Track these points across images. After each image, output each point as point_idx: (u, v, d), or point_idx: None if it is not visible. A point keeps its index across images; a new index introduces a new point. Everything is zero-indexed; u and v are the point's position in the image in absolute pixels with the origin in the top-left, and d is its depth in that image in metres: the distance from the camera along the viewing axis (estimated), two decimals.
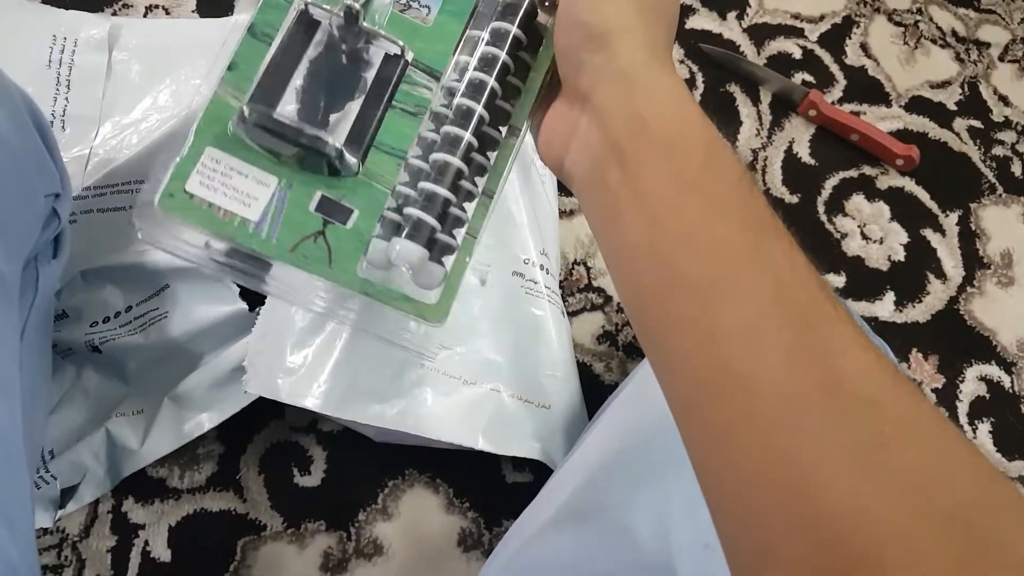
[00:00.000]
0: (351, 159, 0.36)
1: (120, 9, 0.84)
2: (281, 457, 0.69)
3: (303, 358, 0.61)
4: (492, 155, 0.37)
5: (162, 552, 0.64)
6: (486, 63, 0.36)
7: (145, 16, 0.84)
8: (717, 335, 0.27)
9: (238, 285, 0.63)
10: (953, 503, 0.23)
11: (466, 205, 0.37)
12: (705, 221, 0.29)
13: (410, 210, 0.35)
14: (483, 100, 0.36)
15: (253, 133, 0.35)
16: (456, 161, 0.35)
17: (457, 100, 0.36)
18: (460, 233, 0.37)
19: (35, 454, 0.60)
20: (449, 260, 0.37)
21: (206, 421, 0.64)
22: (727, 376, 0.27)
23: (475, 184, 0.37)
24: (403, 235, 0.35)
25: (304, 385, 0.61)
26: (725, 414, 0.27)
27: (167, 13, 0.84)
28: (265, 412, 0.68)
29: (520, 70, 0.37)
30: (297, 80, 0.36)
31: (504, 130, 0.38)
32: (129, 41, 0.71)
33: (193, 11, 0.85)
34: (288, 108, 0.35)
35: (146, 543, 0.65)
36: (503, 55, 0.36)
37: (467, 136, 0.35)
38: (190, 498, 0.66)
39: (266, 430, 0.69)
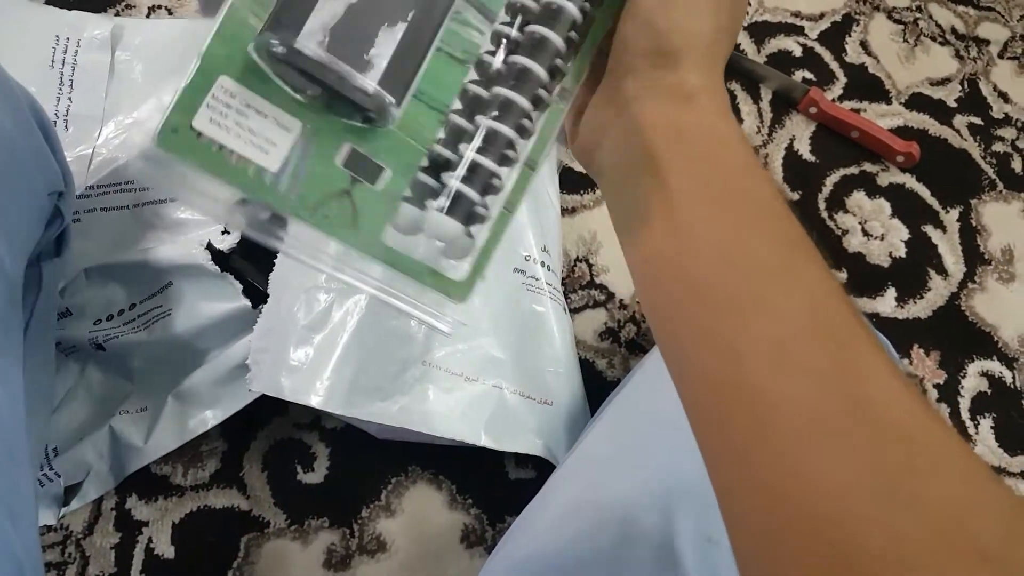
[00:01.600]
0: (389, 106, 0.30)
1: (123, 9, 0.84)
2: (284, 454, 0.69)
3: (306, 355, 0.61)
4: (539, 118, 0.33)
5: (166, 549, 0.65)
6: (550, 14, 0.31)
7: (148, 16, 0.84)
8: (743, 351, 0.26)
9: (241, 282, 0.63)
10: (986, 539, 0.22)
11: (504, 171, 0.32)
12: (737, 235, 0.28)
13: (452, 181, 0.31)
14: (546, 61, 0.31)
15: (275, 65, 0.29)
16: (509, 132, 0.31)
17: (516, 58, 0.31)
18: (496, 204, 0.33)
19: (39, 451, 0.61)
20: (482, 233, 0.33)
21: (210, 418, 0.64)
22: (751, 393, 0.26)
23: (518, 152, 0.33)
24: (442, 207, 0.31)
25: (307, 383, 0.61)
26: (745, 431, 0.26)
27: (170, 13, 0.85)
28: (268, 409, 0.68)
29: (583, 24, 0.33)
30: (328, 3, 0.29)
31: (556, 90, 0.33)
32: (132, 41, 0.71)
33: (196, 11, 0.85)
34: (314, 37, 0.29)
35: (150, 540, 0.65)
36: (572, 7, 0.31)
37: (524, 103, 0.31)
38: (194, 495, 0.67)
39: (269, 427, 0.70)
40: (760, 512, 0.26)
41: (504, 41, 0.32)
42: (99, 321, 0.64)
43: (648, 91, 0.30)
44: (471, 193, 0.31)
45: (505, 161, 0.32)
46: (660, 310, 0.30)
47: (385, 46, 0.30)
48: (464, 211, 0.31)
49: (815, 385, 0.25)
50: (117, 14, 0.83)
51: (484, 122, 0.31)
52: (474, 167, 0.31)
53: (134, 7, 0.84)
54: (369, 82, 0.29)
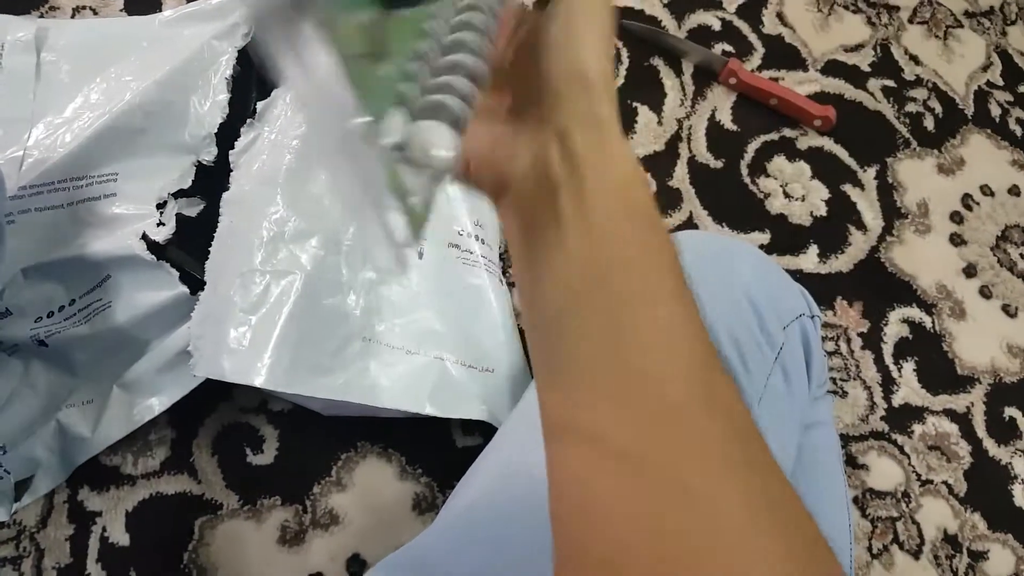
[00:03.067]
0: None
1: (47, 11, 0.84)
2: (233, 438, 0.71)
3: (245, 337, 0.63)
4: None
5: (120, 537, 0.66)
6: None
7: (73, 17, 0.85)
8: (630, 344, 0.29)
9: (177, 270, 0.64)
10: None
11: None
12: (643, 255, 0.31)
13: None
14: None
15: None
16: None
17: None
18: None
19: None
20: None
21: (156, 405, 0.65)
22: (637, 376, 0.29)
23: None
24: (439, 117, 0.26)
25: (248, 363, 0.62)
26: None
27: (95, 13, 0.85)
28: (214, 395, 0.70)
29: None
30: None
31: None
32: (57, 42, 0.72)
33: (121, 10, 0.86)
34: None
35: (104, 529, 0.66)
36: None
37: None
38: (145, 483, 0.68)
39: (216, 413, 0.71)
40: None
41: None
42: (40, 319, 0.65)
43: (576, 123, 0.31)
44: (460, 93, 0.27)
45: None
46: (561, 312, 0.32)
47: None
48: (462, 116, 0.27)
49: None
50: (41, 15, 0.84)
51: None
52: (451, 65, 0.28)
53: (58, 8, 0.85)
54: None
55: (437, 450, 0.73)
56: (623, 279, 0.30)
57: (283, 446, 0.71)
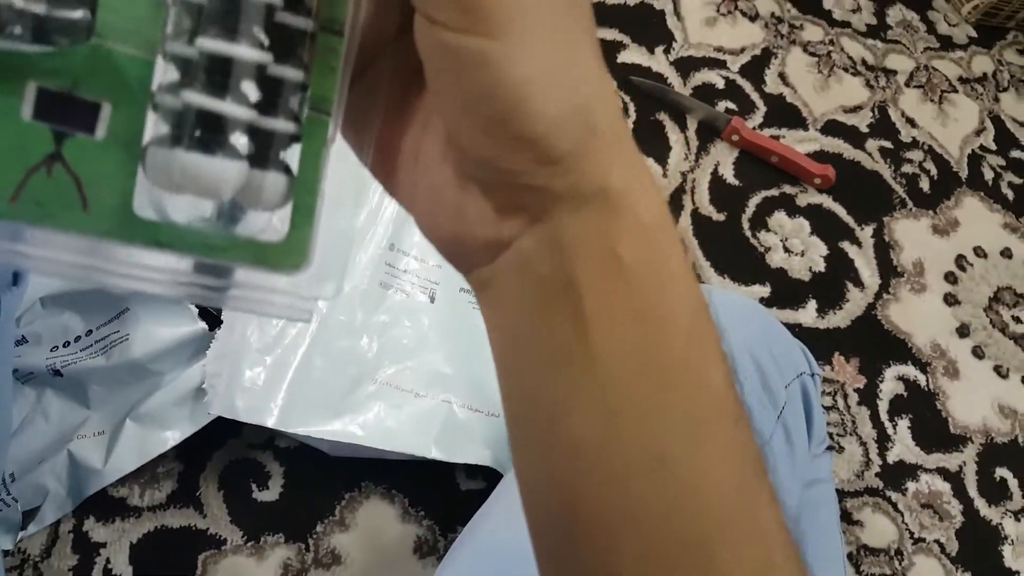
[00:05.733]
0: (69, 12, 0.19)
1: None
2: (240, 473, 0.71)
3: (259, 377, 0.64)
4: None
5: (124, 569, 0.66)
6: None
7: None
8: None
9: (196, 306, 0.66)
10: None
11: (298, 49, 0.21)
12: (683, 434, 0.23)
13: (192, 96, 0.20)
14: None
15: None
16: None
17: None
18: (296, 105, 0.21)
19: None
20: (291, 157, 0.22)
21: (170, 439, 0.66)
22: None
23: (302, 13, 0.21)
24: (186, 144, 0.20)
25: (261, 403, 0.64)
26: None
27: None
28: (223, 430, 0.70)
29: None
30: None
31: None
32: None
33: None
34: None
35: (108, 561, 0.66)
36: None
37: None
38: (151, 515, 0.68)
39: (224, 448, 0.72)
40: None
41: None
42: (56, 348, 0.66)
43: (555, 204, 0.22)
44: (231, 107, 0.20)
45: (280, 36, 0.20)
46: (561, 478, 0.24)
47: None
48: (234, 139, 0.20)
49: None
50: None
51: None
52: (224, 62, 0.20)
53: None
54: (30, 4, 0.19)
55: (440, 493, 0.74)
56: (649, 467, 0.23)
57: (288, 483, 0.72)
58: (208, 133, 0.20)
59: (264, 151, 0.21)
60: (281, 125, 0.21)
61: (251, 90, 0.20)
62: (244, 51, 0.20)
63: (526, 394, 0.25)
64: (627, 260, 0.22)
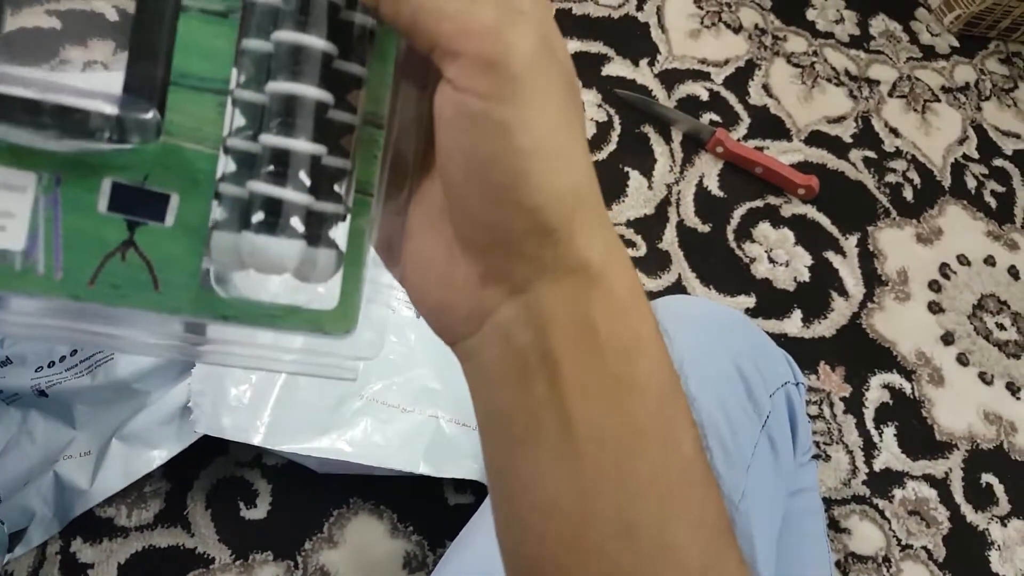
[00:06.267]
0: (141, 114, 0.22)
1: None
2: (227, 492, 0.71)
3: (245, 395, 0.64)
4: (360, 48, 0.24)
5: None
6: None
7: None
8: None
9: None
10: None
11: (343, 141, 0.24)
12: (653, 500, 0.24)
13: (257, 185, 0.22)
14: None
15: None
16: (310, 91, 0.22)
17: None
18: (343, 189, 0.24)
19: None
20: (340, 234, 0.24)
21: (156, 458, 0.66)
22: None
23: (351, 110, 0.24)
24: (254, 227, 0.22)
25: (247, 421, 0.64)
26: None
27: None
28: (210, 449, 0.70)
29: None
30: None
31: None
32: None
33: None
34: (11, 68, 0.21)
35: None
36: None
37: (317, 43, 0.22)
38: (138, 535, 0.68)
39: (211, 466, 0.72)
40: None
41: None
42: (40, 368, 0.65)
43: (539, 275, 0.24)
44: (291, 194, 0.22)
45: (330, 131, 0.23)
46: (530, 551, 0.26)
47: (108, 30, 0.20)
48: (294, 222, 0.23)
49: None
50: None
51: (273, 87, 0.22)
52: (284, 155, 0.22)
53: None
54: (102, 105, 0.21)
55: (429, 508, 0.74)
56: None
57: (276, 500, 0.72)
58: (272, 217, 0.22)
59: (317, 230, 0.23)
60: (331, 207, 0.24)
61: (307, 177, 0.23)
62: (302, 145, 0.22)
63: (505, 461, 0.26)
64: (602, 332, 0.24)
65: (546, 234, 0.23)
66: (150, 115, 0.22)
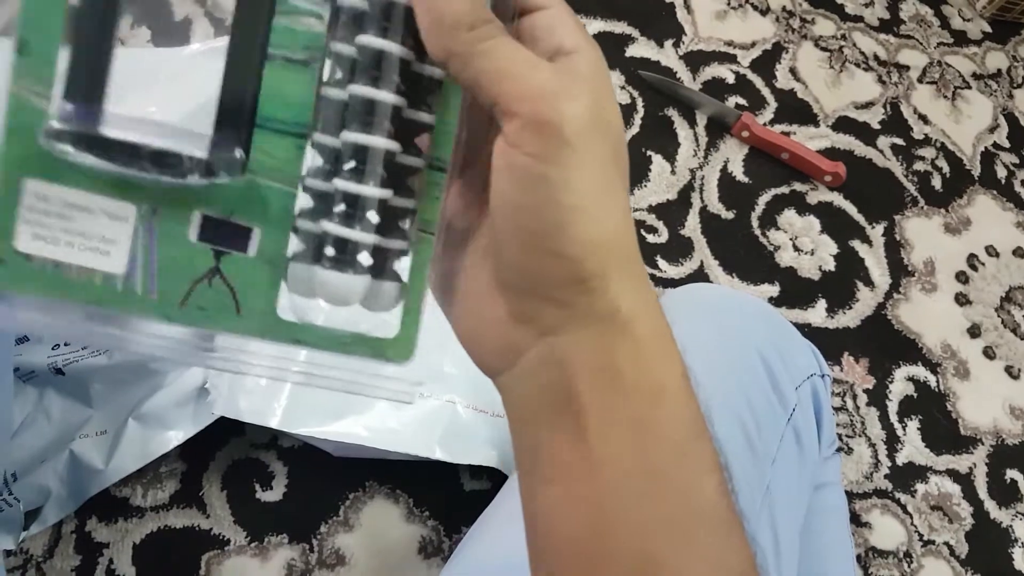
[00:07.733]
0: (229, 153, 0.25)
1: None
2: (243, 473, 0.71)
3: (262, 378, 0.63)
4: (431, 100, 0.26)
5: (127, 569, 0.66)
6: None
7: None
8: None
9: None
10: None
11: (410, 181, 0.26)
12: (674, 539, 0.25)
13: (329, 225, 0.25)
14: (400, 30, 0.24)
15: (79, 147, 0.23)
16: (380, 141, 0.24)
17: (363, 37, 0.24)
18: (407, 227, 0.27)
19: None
20: (403, 268, 0.27)
21: (172, 439, 0.66)
22: None
23: (417, 154, 0.26)
24: (325, 263, 0.25)
25: (264, 404, 0.63)
26: None
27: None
28: (226, 430, 0.70)
29: None
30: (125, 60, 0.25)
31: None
32: None
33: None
34: (116, 114, 0.24)
35: (111, 561, 0.66)
36: None
37: (388, 97, 0.24)
38: (154, 516, 0.68)
39: (227, 447, 0.71)
40: None
41: (352, 16, 0.25)
42: (57, 346, 0.65)
43: (569, 320, 0.25)
44: (360, 234, 0.25)
45: (397, 174, 0.26)
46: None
47: (200, 75, 0.23)
48: (361, 258, 0.25)
49: None
50: None
51: (348, 137, 0.25)
52: (355, 197, 0.25)
53: None
54: (194, 147, 0.24)
55: (445, 493, 0.73)
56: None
57: (292, 483, 0.71)
58: (341, 254, 0.25)
59: (382, 264, 0.26)
60: (396, 244, 0.26)
61: (375, 218, 0.25)
62: (370, 191, 0.25)
63: (530, 495, 0.27)
64: (628, 377, 0.25)
65: (580, 282, 0.25)
66: (237, 153, 0.25)
